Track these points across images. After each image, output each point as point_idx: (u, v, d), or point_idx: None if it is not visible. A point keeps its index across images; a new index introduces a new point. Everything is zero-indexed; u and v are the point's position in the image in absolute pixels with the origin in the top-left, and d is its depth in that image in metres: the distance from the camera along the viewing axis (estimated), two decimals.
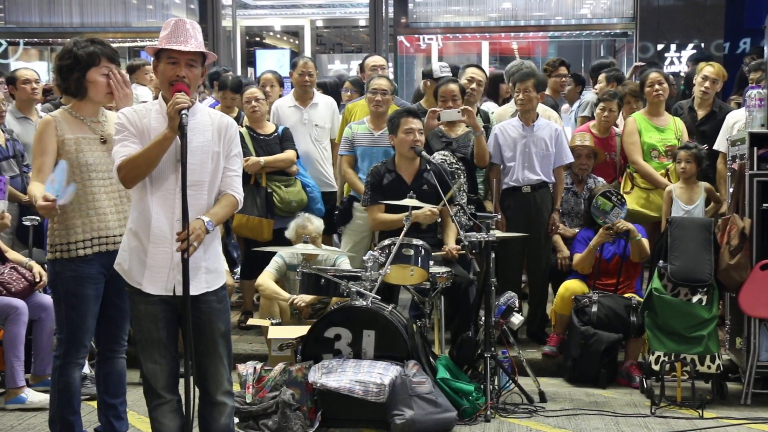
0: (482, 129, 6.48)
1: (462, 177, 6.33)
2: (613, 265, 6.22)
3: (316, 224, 6.17)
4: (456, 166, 6.34)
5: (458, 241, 5.74)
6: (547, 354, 6.23)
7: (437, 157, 6.24)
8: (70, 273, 4.13)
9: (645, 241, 6.16)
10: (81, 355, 4.26)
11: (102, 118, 4.30)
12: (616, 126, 7.13)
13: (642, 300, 5.93)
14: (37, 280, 5.64)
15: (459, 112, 6.29)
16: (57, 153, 4.15)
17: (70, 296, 4.14)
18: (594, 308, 5.94)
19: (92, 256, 4.15)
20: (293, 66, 7.41)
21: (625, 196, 6.70)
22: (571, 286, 6.17)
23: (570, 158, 6.58)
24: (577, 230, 6.55)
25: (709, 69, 6.94)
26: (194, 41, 3.65)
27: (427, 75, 7.37)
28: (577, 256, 6.28)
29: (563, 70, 8.26)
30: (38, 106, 6.99)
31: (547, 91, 8.03)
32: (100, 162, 4.18)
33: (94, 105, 4.27)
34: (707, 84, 6.91)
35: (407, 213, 5.51)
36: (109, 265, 4.15)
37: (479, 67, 7.31)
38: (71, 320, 4.16)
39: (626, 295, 6.11)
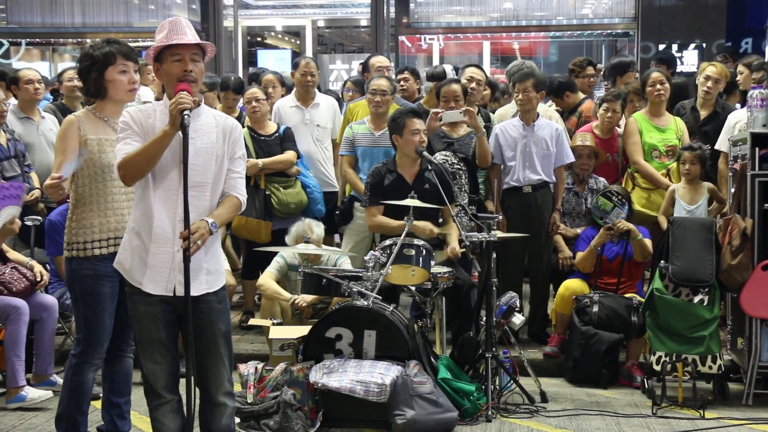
0: (484, 130, 6.48)
1: (463, 177, 6.33)
2: (615, 264, 6.22)
3: (317, 232, 6.13)
4: (457, 166, 6.34)
5: (460, 242, 5.73)
6: (548, 354, 6.22)
7: (438, 157, 6.23)
8: (87, 271, 4.17)
9: (647, 241, 6.15)
10: (98, 355, 4.27)
11: None
12: (618, 126, 7.12)
13: (643, 300, 5.94)
14: (38, 279, 5.65)
15: (461, 113, 6.30)
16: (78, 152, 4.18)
17: (87, 295, 4.18)
18: (595, 308, 5.94)
19: (108, 255, 4.17)
20: (295, 66, 7.41)
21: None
22: (572, 285, 6.17)
23: (571, 158, 6.58)
24: (578, 230, 6.56)
25: (711, 69, 6.92)
26: (192, 36, 3.66)
27: (437, 77, 7.35)
28: (579, 255, 6.29)
29: (590, 69, 8.17)
30: (40, 107, 6.99)
31: None
32: None
33: (115, 105, 4.29)
34: (709, 84, 6.89)
35: (408, 214, 5.50)
36: None
37: (479, 66, 7.31)
38: (88, 319, 4.19)
39: (627, 295, 6.11)
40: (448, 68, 7.54)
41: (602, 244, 6.16)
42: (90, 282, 4.16)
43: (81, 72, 4.29)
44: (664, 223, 6.37)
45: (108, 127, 4.26)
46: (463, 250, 5.75)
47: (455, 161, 6.36)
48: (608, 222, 6.15)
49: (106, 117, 4.28)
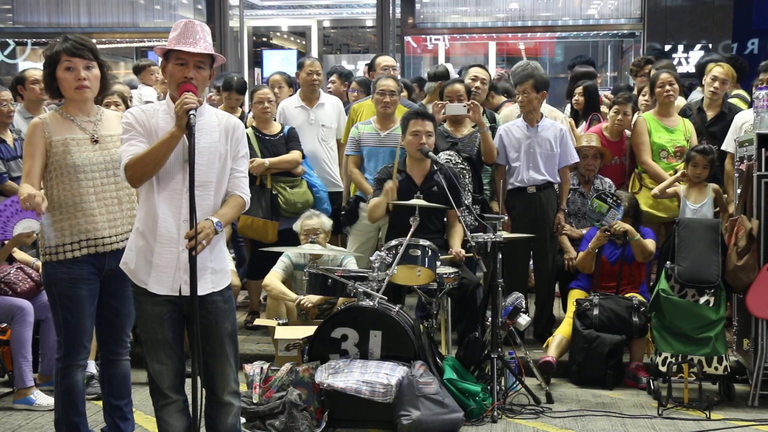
0: (487, 125, 6.49)
1: (467, 177, 6.33)
2: (617, 267, 6.21)
3: (323, 219, 6.17)
4: (461, 166, 6.34)
5: (465, 242, 5.73)
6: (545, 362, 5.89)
7: (442, 156, 6.25)
8: (62, 275, 4.13)
9: (649, 242, 6.14)
10: (81, 356, 4.25)
11: (95, 118, 4.26)
12: (627, 129, 7.10)
13: (643, 299, 5.99)
14: None
15: (465, 106, 6.32)
16: (46, 155, 4.13)
17: (65, 298, 4.14)
18: (595, 311, 5.93)
19: (82, 258, 4.14)
20: (300, 66, 7.41)
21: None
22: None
23: (575, 158, 6.59)
24: (584, 231, 6.56)
25: (718, 69, 6.91)
26: (203, 43, 3.66)
27: (440, 77, 7.36)
28: (579, 255, 6.30)
29: (648, 68, 8.11)
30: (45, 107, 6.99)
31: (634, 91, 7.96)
32: (89, 163, 4.16)
33: (74, 103, 4.22)
34: (716, 84, 6.88)
35: (414, 215, 5.50)
36: (101, 266, 4.17)
37: (483, 66, 7.33)
38: (68, 322, 4.16)
39: (627, 296, 6.11)
40: (450, 67, 7.52)
41: (599, 246, 6.16)
42: (66, 285, 4.13)
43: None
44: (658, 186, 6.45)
45: (75, 126, 4.19)
46: (470, 254, 5.75)
47: (459, 161, 6.36)
48: (605, 224, 6.15)
49: (72, 116, 4.21)
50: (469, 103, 6.36)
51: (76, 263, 4.14)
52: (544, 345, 6.13)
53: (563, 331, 6.07)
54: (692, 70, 11.09)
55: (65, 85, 4.17)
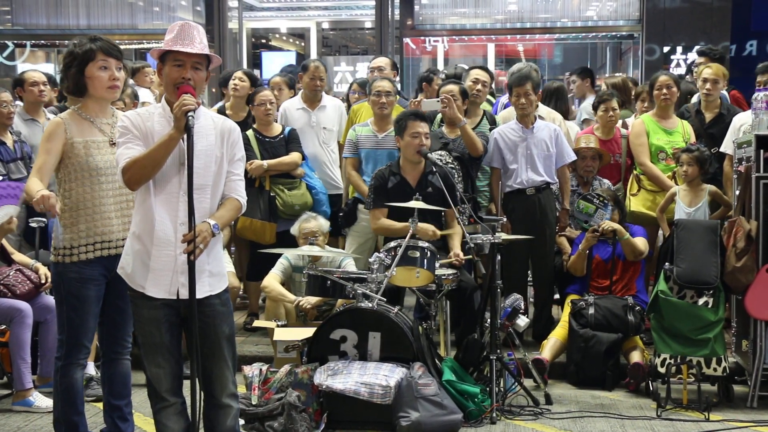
0: (464, 119, 6.44)
1: (455, 176, 6.31)
2: (609, 265, 6.22)
3: (320, 221, 6.18)
4: (451, 165, 6.33)
5: (464, 244, 5.73)
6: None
7: (433, 156, 6.23)
8: (72, 274, 4.14)
9: (638, 240, 6.15)
10: (82, 355, 4.26)
11: (112, 120, 4.28)
12: (624, 128, 7.10)
13: (634, 302, 6.00)
14: (43, 281, 5.65)
15: (438, 101, 6.32)
16: (64, 155, 4.14)
17: (72, 298, 4.15)
18: (591, 310, 5.94)
19: (93, 259, 4.16)
20: (304, 69, 7.37)
21: (631, 197, 6.70)
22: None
23: (572, 156, 6.59)
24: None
25: (707, 71, 6.90)
26: (200, 44, 3.66)
27: (458, 78, 7.36)
28: (571, 258, 6.31)
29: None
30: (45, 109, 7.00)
31: None
32: (108, 165, 4.17)
33: (97, 103, 4.24)
34: (708, 86, 6.87)
35: (413, 217, 5.50)
36: (111, 267, 4.16)
37: (484, 68, 7.32)
38: (72, 321, 4.17)
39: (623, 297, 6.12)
40: (466, 68, 7.51)
41: (589, 247, 6.17)
42: (75, 284, 4.14)
43: (63, 69, 4.24)
44: (662, 221, 6.39)
45: (94, 128, 4.22)
46: (469, 257, 5.75)
47: (449, 160, 6.36)
48: (593, 224, 6.15)
49: (91, 117, 4.23)
50: (443, 98, 6.34)
51: (87, 264, 4.15)
52: (540, 349, 6.12)
53: (557, 334, 6.07)
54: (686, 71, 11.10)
55: (97, 83, 4.17)
